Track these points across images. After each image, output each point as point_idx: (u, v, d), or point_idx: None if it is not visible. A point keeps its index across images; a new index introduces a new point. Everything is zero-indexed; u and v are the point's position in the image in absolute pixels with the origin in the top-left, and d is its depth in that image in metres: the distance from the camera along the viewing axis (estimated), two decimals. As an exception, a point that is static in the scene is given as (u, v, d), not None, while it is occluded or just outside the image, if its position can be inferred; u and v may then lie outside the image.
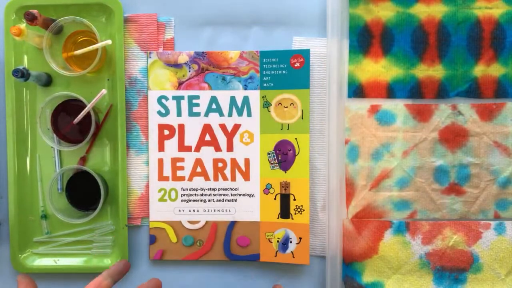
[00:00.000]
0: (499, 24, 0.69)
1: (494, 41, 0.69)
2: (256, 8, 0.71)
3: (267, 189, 0.72)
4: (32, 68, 0.70)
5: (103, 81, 0.71)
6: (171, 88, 0.72)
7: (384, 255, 0.70)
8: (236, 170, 0.72)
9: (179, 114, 0.72)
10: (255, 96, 0.71)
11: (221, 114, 0.72)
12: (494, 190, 0.70)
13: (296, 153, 0.71)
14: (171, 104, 0.72)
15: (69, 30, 0.70)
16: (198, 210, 0.72)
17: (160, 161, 0.72)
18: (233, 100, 0.72)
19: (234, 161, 0.72)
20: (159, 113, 0.72)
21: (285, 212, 0.71)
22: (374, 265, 0.70)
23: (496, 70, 0.69)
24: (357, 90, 0.70)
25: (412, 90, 0.70)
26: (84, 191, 0.70)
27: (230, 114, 0.72)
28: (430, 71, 0.69)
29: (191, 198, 0.72)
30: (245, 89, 0.71)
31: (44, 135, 0.66)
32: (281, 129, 0.71)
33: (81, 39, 0.70)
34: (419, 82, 0.70)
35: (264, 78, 0.71)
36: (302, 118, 0.70)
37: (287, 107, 0.70)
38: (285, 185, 0.71)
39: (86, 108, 0.65)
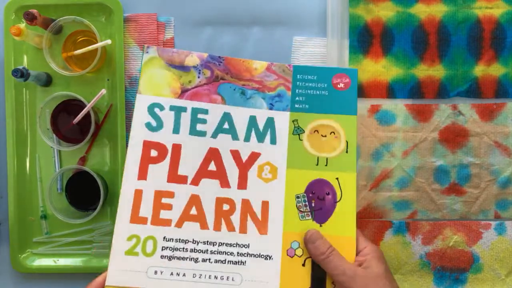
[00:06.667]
0: (499, 24, 0.69)
1: (494, 41, 0.69)
2: (256, 8, 0.71)
3: (292, 250, 0.53)
4: (32, 68, 0.70)
5: (103, 81, 0.71)
6: (170, 95, 0.56)
7: (384, 255, 0.70)
8: (249, 217, 0.53)
9: (176, 130, 0.55)
10: (283, 119, 0.56)
11: (235, 137, 0.55)
12: (495, 190, 0.69)
13: (337, 199, 0.54)
14: (167, 116, 0.55)
15: (69, 30, 0.70)
16: (185, 275, 0.51)
17: (138, 194, 0.53)
18: (253, 120, 0.56)
19: (246, 204, 0.53)
20: (148, 126, 0.55)
21: (319, 287, 0.52)
22: (374, 265, 0.70)
23: (496, 70, 0.69)
24: (357, 90, 0.70)
25: (412, 90, 0.70)
26: (83, 191, 0.69)
27: (247, 139, 0.56)
28: (430, 71, 0.69)
29: (176, 254, 0.52)
30: (270, 108, 0.57)
31: (44, 135, 0.66)
32: (317, 164, 0.55)
33: (80, 39, 0.70)
34: (419, 82, 0.69)
35: (297, 98, 0.57)
36: (347, 152, 0.55)
37: (325, 136, 0.56)
38: None
39: (86, 108, 0.65)
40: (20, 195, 0.70)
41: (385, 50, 0.70)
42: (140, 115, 0.55)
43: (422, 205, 0.70)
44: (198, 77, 0.57)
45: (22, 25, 0.64)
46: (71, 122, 0.67)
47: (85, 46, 0.66)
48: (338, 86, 0.57)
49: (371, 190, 0.70)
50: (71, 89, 0.70)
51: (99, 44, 0.65)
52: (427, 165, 0.70)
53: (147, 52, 0.58)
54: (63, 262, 0.71)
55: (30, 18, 0.63)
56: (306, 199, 0.54)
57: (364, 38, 0.70)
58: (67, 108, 0.68)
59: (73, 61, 0.69)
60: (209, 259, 0.52)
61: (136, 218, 0.52)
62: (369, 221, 0.70)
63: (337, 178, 0.55)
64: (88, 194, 0.69)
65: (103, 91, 0.66)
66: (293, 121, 0.56)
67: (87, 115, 0.66)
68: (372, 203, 0.70)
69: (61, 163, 0.71)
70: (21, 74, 0.64)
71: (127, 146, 0.70)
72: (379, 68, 0.70)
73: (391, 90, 0.70)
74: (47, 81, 0.70)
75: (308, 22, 0.71)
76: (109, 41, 0.66)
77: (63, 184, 0.71)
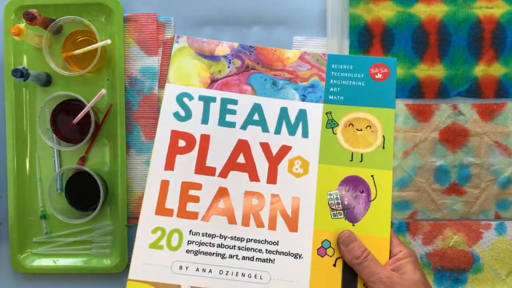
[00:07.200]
0: (500, 24, 0.69)
1: (494, 40, 0.69)
2: (256, 8, 0.71)
3: (323, 249, 0.50)
4: (32, 68, 0.69)
5: (102, 81, 0.71)
6: (199, 85, 0.55)
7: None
8: (278, 213, 0.51)
9: (205, 121, 0.54)
10: (316, 111, 0.54)
11: (265, 129, 0.53)
12: (495, 190, 0.69)
13: (372, 198, 0.51)
14: (196, 106, 0.54)
15: (69, 30, 0.70)
16: (211, 271, 0.49)
17: (164, 185, 0.52)
18: (284, 112, 0.54)
19: (276, 199, 0.51)
20: (177, 115, 0.54)
21: None
22: (374, 266, 0.70)
23: (496, 70, 0.69)
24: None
25: (413, 90, 0.69)
26: (83, 191, 0.69)
27: (277, 131, 0.53)
28: (431, 71, 0.69)
29: (202, 248, 0.50)
30: (303, 100, 0.54)
31: (44, 135, 0.66)
32: (351, 160, 0.52)
33: (80, 39, 0.70)
34: (419, 82, 0.69)
35: (332, 89, 0.54)
36: (384, 148, 0.52)
37: (361, 130, 0.53)
38: None
39: (86, 108, 0.65)
40: (20, 195, 0.70)
41: (385, 50, 0.70)
42: (168, 105, 0.54)
43: (422, 205, 0.70)
44: (228, 67, 0.56)
45: (22, 25, 0.64)
46: (71, 122, 0.67)
47: (85, 46, 0.66)
48: (376, 76, 0.54)
49: (371, 190, 0.70)
50: (71, 89, 0.70)
51: (99, 44, 0.65)
52: (428, 165, 0.69)
53: (177, 42, 0.57)
54: (63, 262, 0.70)
55: (30, 18, 0.63)
56: (338, 196, 0.52)
57: (364, 38, 0.70)
58: (67, 108, 0.68)
59: (73, 61, 0.69)
60: (237, 256, 0.50)
61: (161, 210, 0.51)
62: (369, 221, 0.70)
63: (372, 176, 0.52)
64: (88, 194, 0.69)
65: (103, 91, 0.65)
66: (326, 114, 0.54)
67: (87, 115, 0.66)
68: (372, 203, 0.70)
69: (61, 163, 0.71)
70: (21, 74, 0.64)
71: (127, 146, 0.70)
72: (379, 68, 0.70)
73: (391, 90, 0.70)
74: (47, 81, 0.70)
75: (308, 22, 0.71)
76: (109, 41, 0.65)
77: (63, 184, 0.70)
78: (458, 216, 0.70)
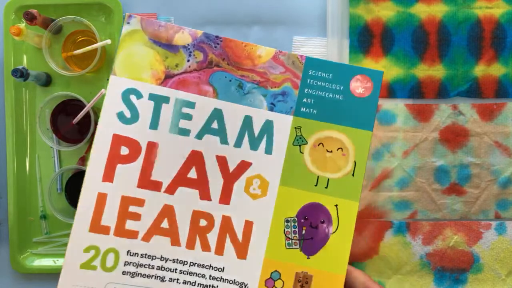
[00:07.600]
0: (500, 24, 0.69)
1: (494, 40, 0.69)
2: (256, 8, 0.71)
3: (271, 281, 0.46)
4: (32, 68, 0.69)
5: (102, 81, 0.71)
6: (151, 81, 0.47)
7: (384, 256, 0.70)
8: (228, 237, 0.46)
9: (154, 125, 0.47)
10: (284, 124, 0.48)
11: (224, 141, 0.47)
12: (495, 190, 0.69)
13: (333, 230, 0.47)
14: (145, 107, 0.47)
15: (69, 30, 0.70)
16: None
17: (101, 198, 0.46)
18: (248, 122, 0.48)
19: (227, 222, 0.46)
20: (121, 116, 0.47)
21: None
22: (374, 266, 0.70)
23: (496, 70, 0.69)
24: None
25: (413, 90, 0.69)
26: (83, 191, 0.69)
27: (238, 144, 0.47)
28: (431, 71, 0.69)
29: (140, 270, 0.45)
30: (271, 109, 0.48)
31: (44, 135, 0.66)
32: (316, 185, 0.47)
33: (80, 39, 0.70)
34: (419, 82, 0.69)
35: (305, 100, 0.48)
36: (353, 175, 0.48)
37: (331, 151, 0.48)
38: (304, 279, 0.46)
39: (86, 108, 0.65)
40: (20, 195, 0.70)
41: (385, 50, 0.70)
42: (112, 102, 0.47)
43: (423, 205, 0.70)
44: (188, 60, 0.48)
45: (22, 25, 0.64)
46: (71, 122, 0.67)
47: (84, 46, 0.66)
48: (357, 91, 0.48)
49: (371, 190, 0.70)
50: (71, 89, 0.70)
51: (99, 44, 0.65)
52: (428, 165, 0.69)
53: (128, 23, 0.48)
54: (63, 262, 0.70)
55: (30, 18, 0.63)
56: (296, 224, 0.46)
57: (364, 38, 0.70)
58: (66, 108, 0.68)
59: (73, 61, 0.69)
60: (177, 280, 0.45)
61: (96, 227, 0.46)
62: (369, 221, 0.70)
63: (336, 205, 0.47)
64: (88, 194, 0.69)
65: (103, 91, 0.66)
66: (295, 128, 0.48)
67: (87, 115, 0.66)
68: (372, 203, 0.70)
69: (61, 163, 0.71)
70: (21, 74, 0.64)
71: (127, 146, 0.70)
72: (379, 68, 0.70)
73: (391, 90, 0.70)
74: (47, 81, 0.70)
75: (308, 22, 0.71)
76: (109, 41, 0.65)
77: (62, 184, 0.70)
78: (458, 216, 0.70)
